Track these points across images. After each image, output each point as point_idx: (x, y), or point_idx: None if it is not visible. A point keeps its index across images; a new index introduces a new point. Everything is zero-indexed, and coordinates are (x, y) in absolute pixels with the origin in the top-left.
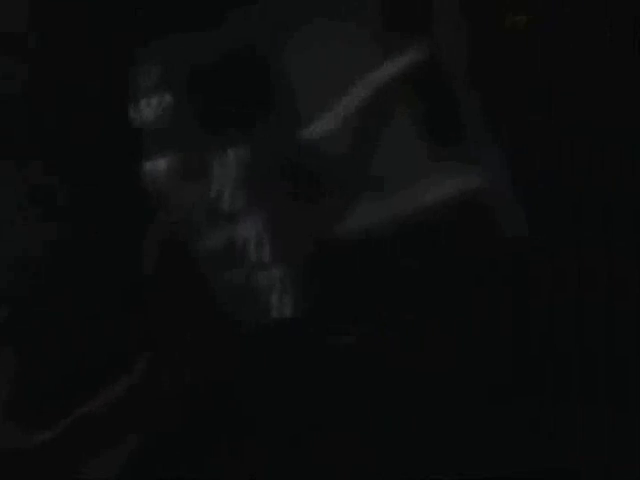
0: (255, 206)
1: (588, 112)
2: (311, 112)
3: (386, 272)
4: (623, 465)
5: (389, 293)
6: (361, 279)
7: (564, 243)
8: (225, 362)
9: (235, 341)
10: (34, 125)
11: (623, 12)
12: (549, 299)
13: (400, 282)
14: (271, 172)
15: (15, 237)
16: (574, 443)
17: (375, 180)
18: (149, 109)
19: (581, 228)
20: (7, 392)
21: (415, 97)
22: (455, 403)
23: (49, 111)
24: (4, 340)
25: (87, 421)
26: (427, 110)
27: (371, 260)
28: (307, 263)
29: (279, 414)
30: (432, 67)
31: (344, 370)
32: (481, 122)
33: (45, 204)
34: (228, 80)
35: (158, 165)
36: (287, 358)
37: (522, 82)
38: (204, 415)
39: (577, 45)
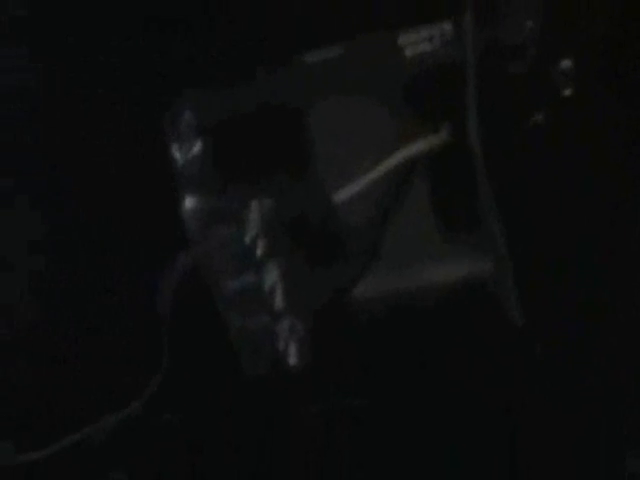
0: (274, 257)
1: (594, 216)
2: (335, 178)
3: (388, 341)
4: None
5: (388, 361)
6: (365, 343)
7: (558, 333)
8: (228, 403)
9: (240, 384)
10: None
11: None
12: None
13: (400, 353)
14: (293, 227)
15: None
16: None
17: (389, 251)
18: (181, 153)
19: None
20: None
21: (433, 178)
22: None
23: (86, 151)
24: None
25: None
26: (443, 192)
27: (377, 327)
28: (317, 319)
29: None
30: (452, 152)
31: (335, 429)
32: (492, 212)
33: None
34: (258, 134)
35: (185, 207)
36: (287, 407)
37: (534, 177)
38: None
39: (590, 149)
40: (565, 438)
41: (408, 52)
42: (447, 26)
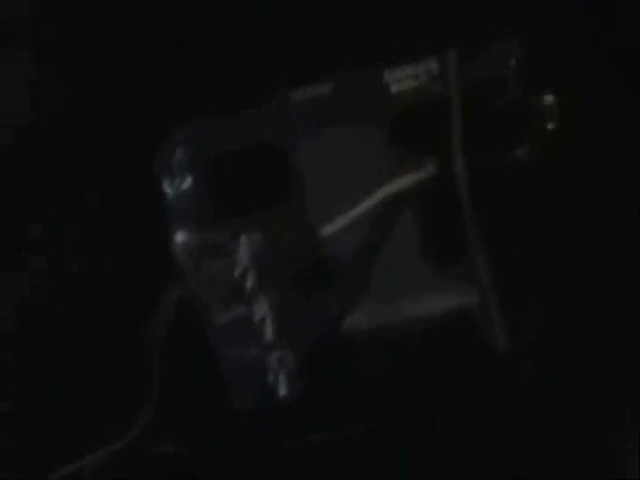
0: (264, 290)
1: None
2: (322, 212)
3: (377, 371)
4: None
5: (380, 392)
6: (354, 374)
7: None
8: (217, 434)
9: (229, 416)
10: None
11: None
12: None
13: (388, 383)
14: (282, 260)
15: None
16: None
17: (377, 284)
18: (171, 188)
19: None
20: None
21: (419, 212)
22: None
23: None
24: None
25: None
26: (429, 225)
27: (365, 358)
28: (307, 351)
29: None
30: (437, 186)
31: (325, 461)
32: (478, 244)
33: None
34: (247, 170)
35: (176, 240)
36: (277, 439)
37: (519, 210)
38: None
39: (574, 182)
40: (562, 458)
41: (394, 88)
42: (432, 63)
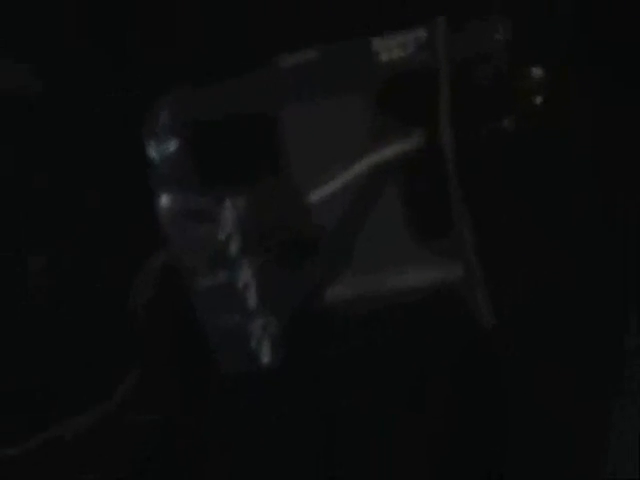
0: (248, 256)
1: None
2: (308, 180)
3: (360, 342)
4: None
5: (360, 362)
6: (337, 344)
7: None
8: (201, 401)
9: (214, 381)
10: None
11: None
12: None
13: (371, 354)
14: (266, 227)
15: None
16: None
17: (361, 254)
18: (157, 152)
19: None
20: None
21: (405, 183)
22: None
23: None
24: None
25: (56, 443)
26: (415, 197)
27: (348, 328)
28: (290, 318)
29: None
30: (423, 157)
31: (315, 431)
32: (463, 217)
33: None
34: (233, 135)
35: (161, 204)
36: (259, 406)
37: (505, 183)
38: (170, 453)
39: (560, 155)
40: (546, 441)
41: (382, 57)
42: (421, 33)
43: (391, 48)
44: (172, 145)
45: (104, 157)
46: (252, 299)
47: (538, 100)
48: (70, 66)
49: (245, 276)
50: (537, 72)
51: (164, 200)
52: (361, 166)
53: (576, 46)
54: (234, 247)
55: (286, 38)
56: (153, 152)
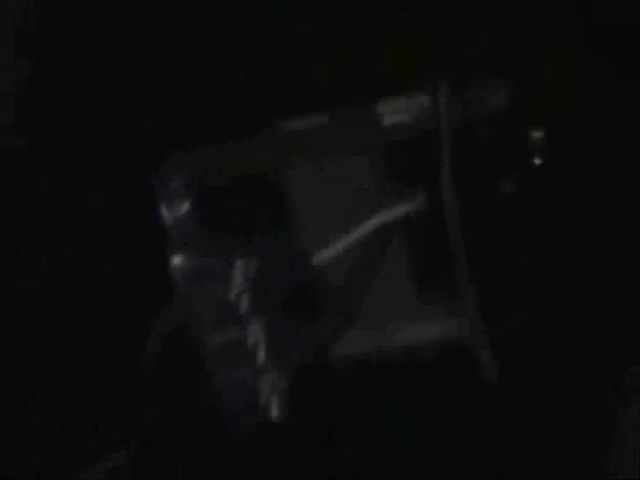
0: (257, 315)
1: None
2: (315, 240)
3: (366, 397)
4: None
5: (366, 417)
6: (344, 399)
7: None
8: (211, 457)
9: (222, 436)
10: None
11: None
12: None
13: (377, 409)
14: (275, 286)
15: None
16: None
17: (368, 311)
18: (169, 214)
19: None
20: None
21: (410, 243)
22: None
23: (79, 208)
24: None
25: None
26: (419, 256)
27: (355, 384)
28: (298, 374)
29: None
30: (427, 218)
31: None
32: (466, 275)
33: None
34: (242, 196)
35: (173, 264)
36: (268, 461)
37: (506, 242)
38: None
39: (561, 216)
40: (550, 443)
41: (386, 121)
42: (423, 97)
43: (395, 112)
44: (184, 207)
45: (116, 218)
46: (261, 355)
47: (538, 160)
48: (78, 124)
49: (255, 333)
50: (538, 134)
51: (176, 260)
52: (366, 226)
53: (579, 107)
54: (244, 305)
55: (293, 102)
56: (165, 212)
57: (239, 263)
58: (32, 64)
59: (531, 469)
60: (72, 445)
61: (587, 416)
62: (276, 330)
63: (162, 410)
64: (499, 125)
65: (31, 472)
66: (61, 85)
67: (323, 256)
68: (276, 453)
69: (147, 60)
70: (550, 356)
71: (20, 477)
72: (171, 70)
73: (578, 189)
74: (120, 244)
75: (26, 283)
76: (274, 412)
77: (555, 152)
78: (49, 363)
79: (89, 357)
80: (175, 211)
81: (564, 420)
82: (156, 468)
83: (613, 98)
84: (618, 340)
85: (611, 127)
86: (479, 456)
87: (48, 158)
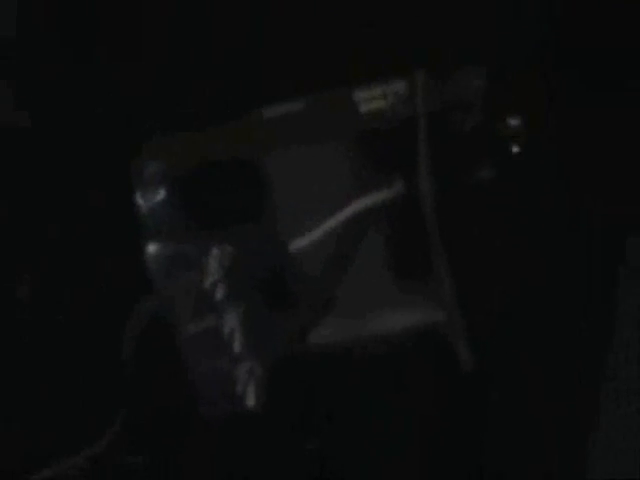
0: (233, 302)
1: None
2: (291, 228)
3: (343, 385)
4: None
5: (343, 405)
6: (321, 387)
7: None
8: (186, 445)
9: (199, 425)
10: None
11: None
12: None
13: (354, 397)
14: (251, 273)
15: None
16: None
17: (344, 299)
18: (144, 201)
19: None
20: None
21: (386, 230)
22: None
23: (53, 195)
24: None
25: None
26: (396, 243)
27: (332, 371)
28: (274, 363)
29: None
30: (405, 206)
31: (299, 474)
32: (443, 262)
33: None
34: (218, 184)
35: (148, 252)
36: (244, 449)
37: (483, 230)
38: None
39: (537, 204)
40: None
41: (363, 108)
42: (400, 84)
43: (372, 99)
44: (159, 195)
45: (92, 205)
46: (238, 344)
47: (515, 148)
48: (55, 112)
49: (231, 322)
50: (514, 122)
51: (151, 248)
52: (343, 214)
53: (555, 95)
54: (220, 293)
55: (270, 89)
56: (140, 200)
57: (215, 251)
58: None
59: (507, 456)
60: (50, 434)
61: (563, 404)
62: (253, 318)
63: (139, 398)
64: (476, 112)
65: (9, 461)
66: (35, 72)
67: (300, 244)
68: (253, 441)
69: (125, 45)
70: (527, 344)
71: None
72: (149, 56)
73: (556, 177)
74: (95, 232)
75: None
76: (251, 400)
77: (532, 139)
78: (26, 351)
79: (66, 346)
80: (151, 198)
81: (540, 408)
82: (133, 455)
83: (589, 86)
84: (596, 327)
85: (587, 114)
86: (456, 443)
87: (22, 145)
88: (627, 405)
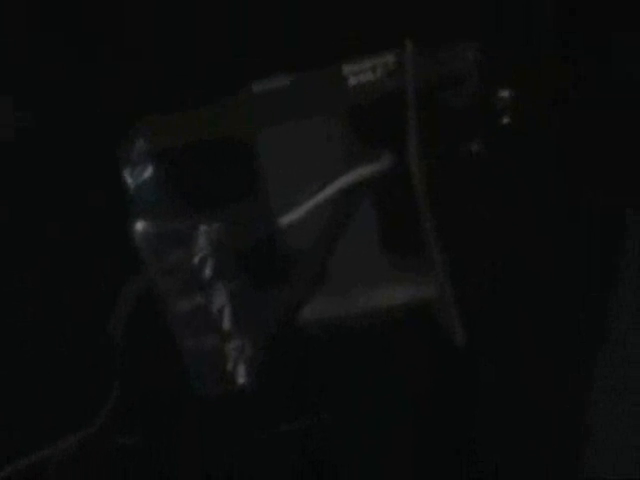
0: (222, 279)
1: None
2: (280, 203)
3: (334, 361)
4: None
5: (334, 382)
6: (312, 364)
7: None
8: (178, 423)
9: (190, 403)
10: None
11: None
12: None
13: (345, 373)
14: (239, 250)
15: None
16: None
17: (334, 275)
18: (132, 178)
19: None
20: None
21: (376, 204)
22: None
23: (41, 175)
24: None
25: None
26: (386, 218)
27: (323, 348)
28: (264, 339)
29: None
30: (394, 179)
31: (291, 451)
32: (433, 237)
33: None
34: (207, 160)
35: (136, 229)
36: (236, 426)
37: (473, 203)
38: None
39: (527, 176)
40: (516, 454)
41: (352, 81)
42: (390, 57)
43: (360, 72)
44: (147, 172)
45: (79, 182)
46: (227, 321)
47: (505, 121)
48: (45, 96)
49: (220, 299)
50: (504, 94)
51: (139, 224)
52: (332, 188)
53: (545, 68)
54: (208, 270)
55: (257, 65)
56: (128, 178)
57: (203, 228)
58: None
59: (497, 432)
60: (43, 416)
61: (556, 382)
62: (242, 295)
63: (130, 377)
64: (466, 86)
65: (3, 444)
66: (23, 54)
67: (289, 220)
68: (244, 419)
69: (113, 25)
70: (518, 319)
71: None
72: (136, 35)
73: (545, 150)
74: (84, 211)
75: None
76: (241, 378)
77: (521, 113)
78: (16, 332)
79: (56, 326)
80: (139, 175)
81: (532, 386)
82: (126, 436)
83: (580, 61)
84: (588, 303)
85: (577, 90)
86: (448, 421)
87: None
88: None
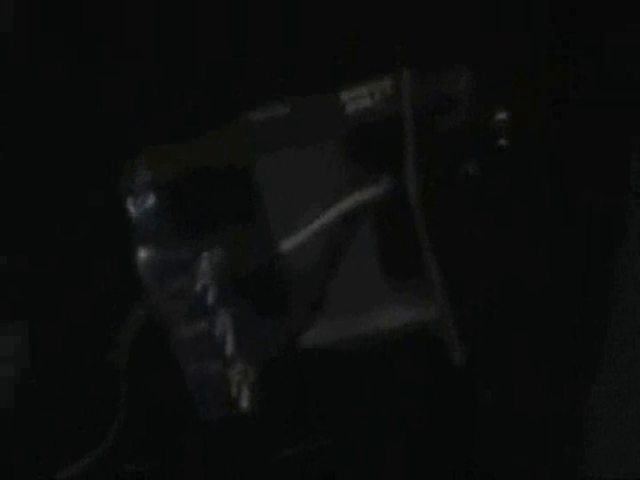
0: (225, 305)
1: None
2: (280, 230)
3: (337, 385)
4: None
5: (337, 406)
6: (314, 387)
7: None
8: (187, 449)
9: (193, 428)
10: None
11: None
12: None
13: (348, 397)
14: (241, 276)
15: None
16: None
17: (336, 299)
18: (134, 207)
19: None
20: None
21: (375, 228)
22: None
23: (43, 202)
24: None
25: None
26: (385, 241)
27: (325, 371)
28: (267, 365)
29: None
30: (392, 203)
31: (294, 476)
32: (432, 259)
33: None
34: (208, 188)
35: (139, 257)
36: (240, 451)
37: (471, 226)
38: None
39: (524, 199)
40: (514, 476)
41: (349, 107)
42: (386, 82)
43: (358, 98)
44: (149, 200)
45: (82, 212)
46: (230, 347)
47: (502, 143)
48: (47, 122)
49: (222, 325)
50: (500, 116)
51: (142, 253)
52: (332, 213)
53: (541, 90)
54: (211, 297)
55: (256, 92)
56: (131, 207)
57: (205, 255)
58: None
59: (497, 451)
60: (46, 442)
61: (555, 401)
62: (244, 321)
63: (133, 404)
64: (462, 109)
65: (8, 470)
66: (27, 77)
67: (289, 245)
68: (247, 444)
69: (113, 25)
70: (519, 340)
71: None
72: (136, 35)
73: (542, 172)
74: (86, 239)
75: None
76: (245, 402)
77: (518, 135)
78: (20, 359)
79: (59, 352)
80: (142, 204)
81: (532, 405)
82: (131, 462)
83: (575, 79)
84: (586, 323)
85: (573, 110)
86: (448, 441)
87: (12, 152)
88: (623, 402)
